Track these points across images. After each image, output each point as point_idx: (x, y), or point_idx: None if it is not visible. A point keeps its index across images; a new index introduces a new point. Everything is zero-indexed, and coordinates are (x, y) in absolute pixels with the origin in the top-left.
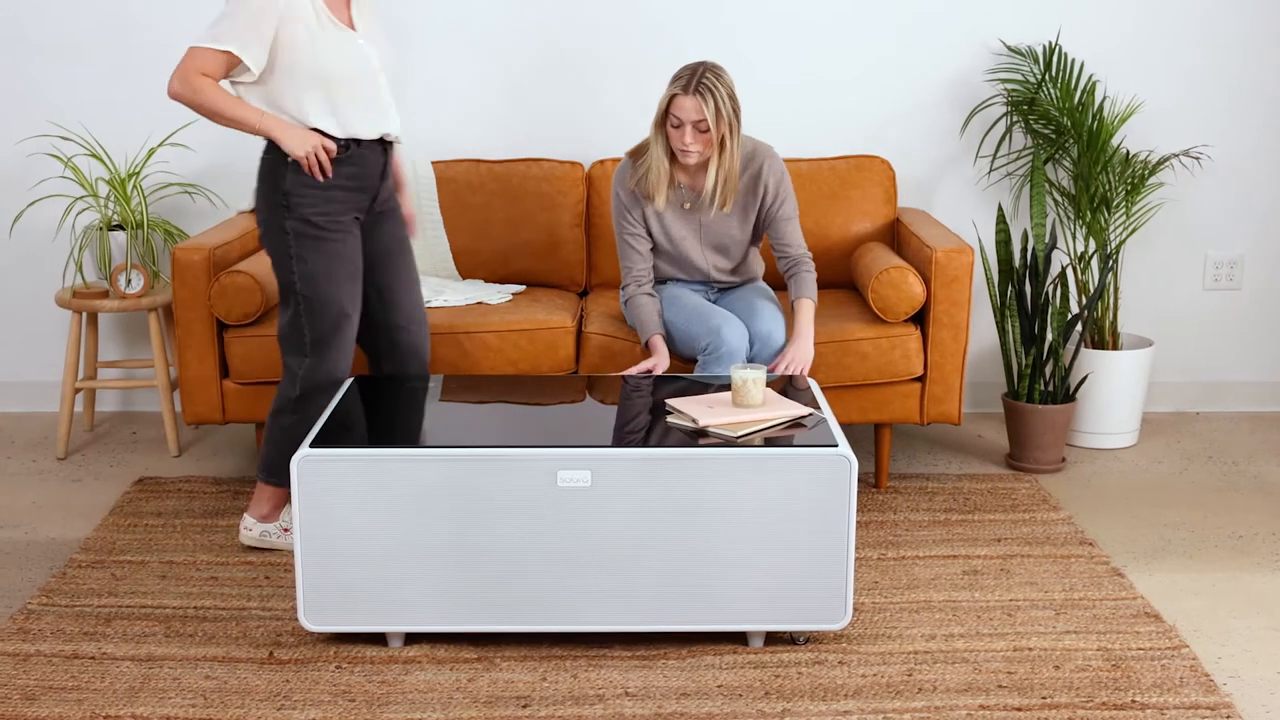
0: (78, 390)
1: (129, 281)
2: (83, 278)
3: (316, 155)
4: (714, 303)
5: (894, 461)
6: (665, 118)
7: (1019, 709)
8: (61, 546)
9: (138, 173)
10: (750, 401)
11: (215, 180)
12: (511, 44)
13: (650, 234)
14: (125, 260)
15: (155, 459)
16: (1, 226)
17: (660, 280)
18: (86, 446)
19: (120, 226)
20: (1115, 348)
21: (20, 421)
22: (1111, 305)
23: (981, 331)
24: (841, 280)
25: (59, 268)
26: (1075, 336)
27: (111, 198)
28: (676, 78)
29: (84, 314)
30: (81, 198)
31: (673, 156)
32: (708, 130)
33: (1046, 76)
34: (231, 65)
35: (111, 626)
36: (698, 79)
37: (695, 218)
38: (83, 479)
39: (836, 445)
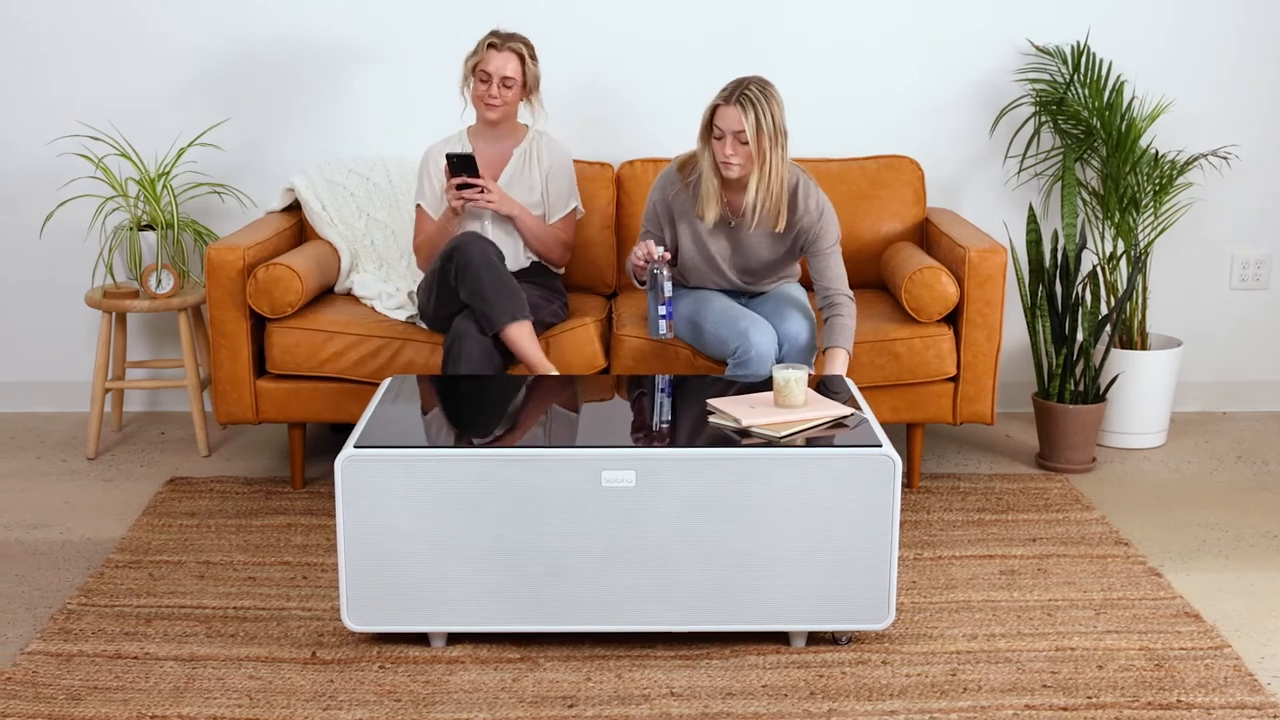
0: (107, 390)
1: (159, 281)
2: (113, 278)
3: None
4: (745, 305)
5: (924, 461)
6: (710, 129)
7: (1065, 709)
8: (97, 546)
9: (167, 173)
10: (792, 402)
11: (244, 180)
12: (540, 45)
13: (680, 247)
14: (156, 260)
15: (185, 459)
16: (32, 227)
17: (691, 286)
18: (116, 446)
19: (150, 226)
20: (1144, 348)
21: (49, 421)
22: (1140, 305)
23: (1008, 331)
24: (872, 280)
25: (86, 268)
26: (1105, 336)
27: (141, 197)
28: (722, 90)
29: (113, 314)
30: (112, 198)
31: (718, 171)
32: (748, 143)
33: (1075, 77)
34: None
35: (152, 626)
36: (741, 90)
37: (730, 236)
38: (114, 479)
39: (880, 445)
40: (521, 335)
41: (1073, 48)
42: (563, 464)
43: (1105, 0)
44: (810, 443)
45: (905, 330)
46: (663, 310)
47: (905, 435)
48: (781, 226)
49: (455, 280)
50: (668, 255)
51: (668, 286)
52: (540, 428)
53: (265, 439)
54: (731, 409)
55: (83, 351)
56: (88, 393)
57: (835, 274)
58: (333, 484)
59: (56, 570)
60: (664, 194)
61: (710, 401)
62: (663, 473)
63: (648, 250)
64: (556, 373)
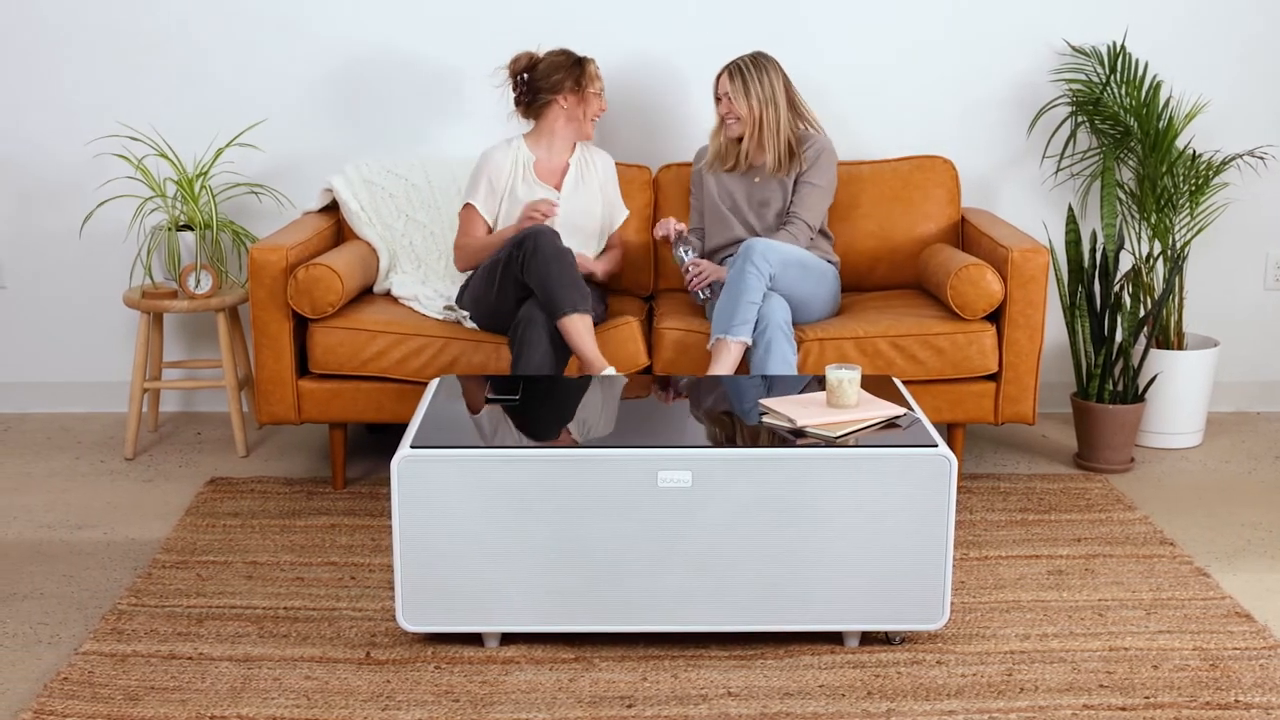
0: (145, 391)
1: (198, 282)
2: (151, 278)
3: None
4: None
5: (963, 462)
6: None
7: (1123, 709)
8: (142, 547)
9: (205, 173)
10: (845, 402)
11: (281, 180)
12: (578, 47)
13: (707, 199)
14: (195, 260)
15: (223, 459)
16: (71, 227)
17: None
18: (153, 447)
19: (188, 227)
20: (1180, 348)
21: (85, 421)
22: (1176, 305)
23: (1045, 331)
24: (908, 282)
25: (124, 268)
26: (1143, 337)
27: (179, 198)
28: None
29: (150, 314)
30: (150, 198)
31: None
32: (734, 103)
33: (1112, 77)
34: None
35: (204, 627)
36: (737, 61)
37: (745, 183)
38: (154, 479)
39: (936, 445)
40: (580, 328)
41: (1109, 48)
42: (618, 464)
43: (1142, 0)
44: (867, 443)
45: (948, 325)
46: (689, 275)
47: (946, 435)
48: (786, 174)
49: (523, 266)
50: (681, 227)
51: (687, 256)
52: (595, 428)
53: (302, 439)
54: (785, 409)
55: (118, 352)
56: (122, 393)
57: (804, 206)
58: (374, 484)
59: (104, 570)
60: (697, 160)
61: (763, 401)
62: (719, 473)
63: (663, 227)
64: (611, 370)
